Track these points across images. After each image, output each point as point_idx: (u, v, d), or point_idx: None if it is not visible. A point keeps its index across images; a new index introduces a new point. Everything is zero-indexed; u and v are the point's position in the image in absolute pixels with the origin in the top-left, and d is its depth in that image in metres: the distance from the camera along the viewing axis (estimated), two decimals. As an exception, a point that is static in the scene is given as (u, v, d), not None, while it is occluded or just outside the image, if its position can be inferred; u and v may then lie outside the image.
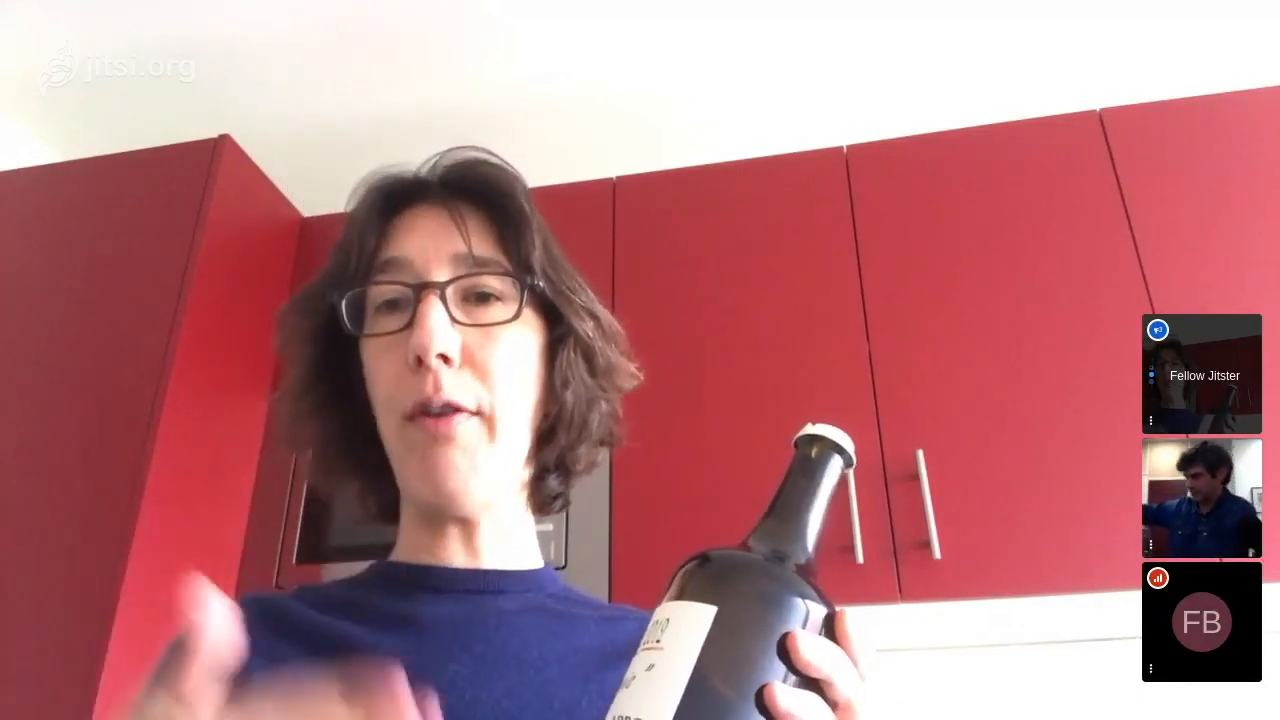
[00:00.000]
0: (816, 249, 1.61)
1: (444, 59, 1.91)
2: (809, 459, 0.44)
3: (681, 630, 0.38)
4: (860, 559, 1.32)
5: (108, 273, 1.59)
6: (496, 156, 0.66)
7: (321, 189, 1.56)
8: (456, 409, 0.58)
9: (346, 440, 0.66)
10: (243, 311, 1.63)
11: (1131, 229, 1.51)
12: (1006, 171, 1.61)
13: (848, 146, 1.69)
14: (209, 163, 1.65)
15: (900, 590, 1.33)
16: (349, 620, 0.58)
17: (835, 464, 0.44)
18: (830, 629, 0.40)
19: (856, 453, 0.46)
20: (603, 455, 0.70)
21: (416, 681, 0.53)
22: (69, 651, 1.27)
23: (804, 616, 0.39)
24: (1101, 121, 1.60)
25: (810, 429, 0.45)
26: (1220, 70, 1.79)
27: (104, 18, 1.78)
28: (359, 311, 0.63)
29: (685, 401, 1.50)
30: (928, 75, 1.96)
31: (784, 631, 0.38)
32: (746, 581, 0.40)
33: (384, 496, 0.66)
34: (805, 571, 0.41)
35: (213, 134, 1.70)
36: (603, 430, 0.68)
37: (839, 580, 1.32)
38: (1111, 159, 1.57)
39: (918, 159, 1.66)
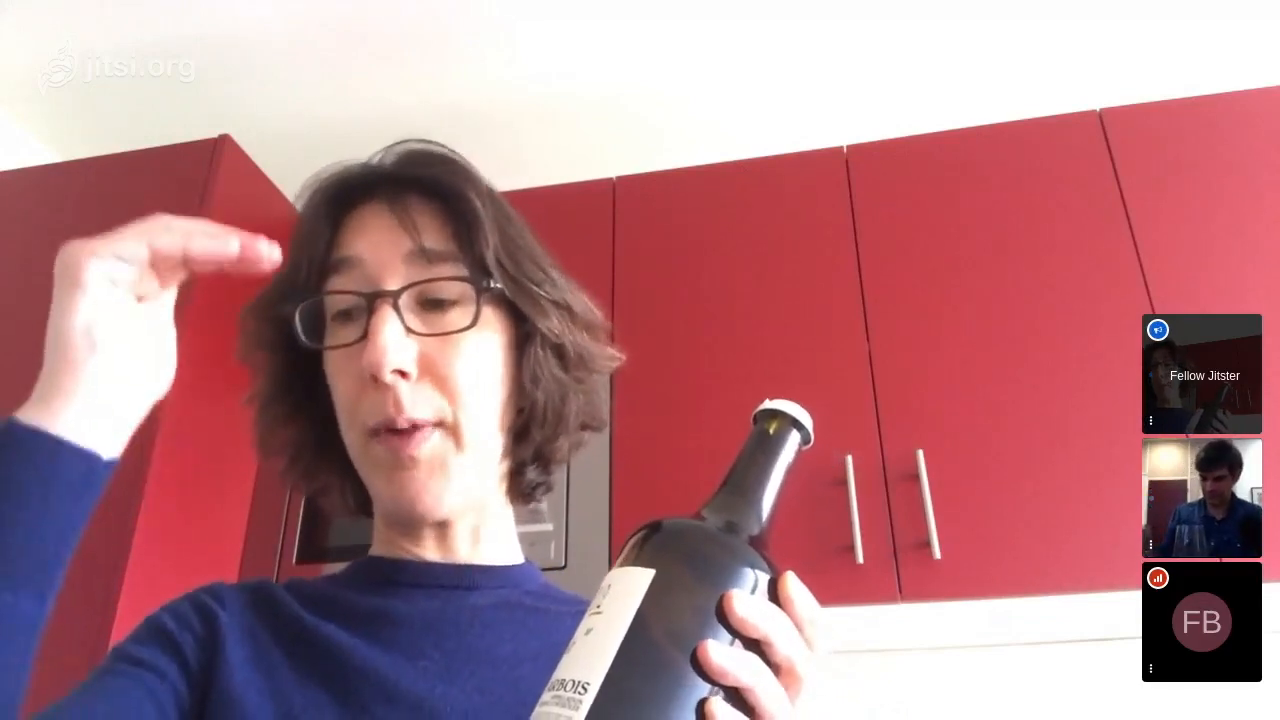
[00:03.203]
0: (816, 249, 1.61)
1: (444, 59, 1.91)
2: (766, 434, 0.44)
3: (620, 594, 0.38)
4: (860, 559, 1.32)
5: (108, 273, 1.59)
6: (444, 147, 0.64)
7: (321, 189, 1.55)
8: (419, 425, 0.57)
9: (321, 444, 0.65)
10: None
11: (1131, 229, 1.51)
12: (1006, 171, 1.61)
13: (848, 146, 1.69)
14: (209, 162, 1.65)
15: (900, 590, 1.33)
16: (325, 618, 0.58)
17: (792, 439, 0.44)
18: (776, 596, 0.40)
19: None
20: (587, 437, 0.68)
21: (387, 678, 0.54)
22: (68, 653, 1.27)
23: (752, 584, 0.38)
24: (1101, 121, 1.60)
25: (768, 404, 0.45)
26: (1220, 70, 1.79)
27: (104, 18, 1.78)
28: (315, 321, 0.61)
29: (685, 401, 1.50)
30: (928, 75, 1.96)
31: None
32: (690, 547, 0.40)
33: (362, 492, 0.66)
34: (757, 543, 0.41)
35: (213, 134, 1.70)
36: (583, 418, 0.66)
37: (839, 580, 1.32)
38: (1111, 159, 1.57)
39: (918, 159, 1.66)
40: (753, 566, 0.39)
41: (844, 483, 1.36)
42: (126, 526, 1.33)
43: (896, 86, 1.98)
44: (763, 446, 0.44)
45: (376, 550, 0.65)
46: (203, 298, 1.55)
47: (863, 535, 1.33)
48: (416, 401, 0.57)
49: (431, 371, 0.58)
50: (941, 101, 1.96)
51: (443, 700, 0.53)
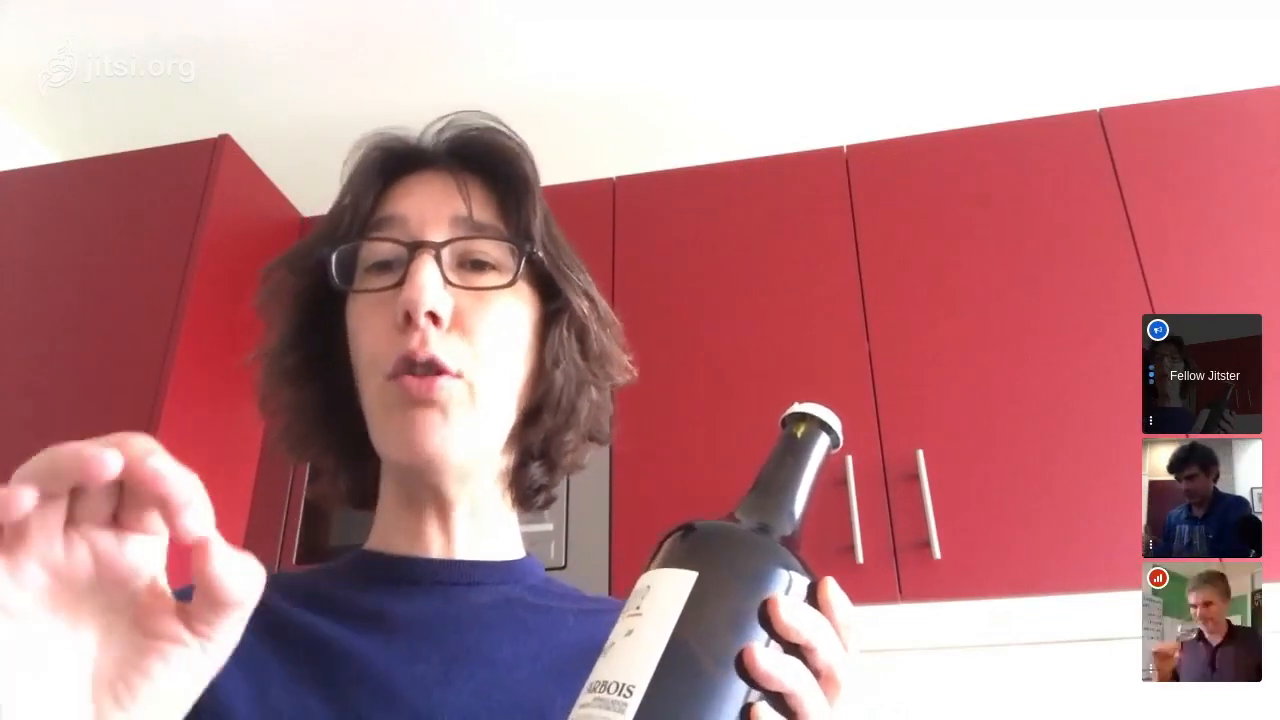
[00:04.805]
0: (816, 249, 1.61)
1: (444, 59, 1.91)
2: (795, 437, 0.45)
3: (661, 596, 0.38)
4: (860, 559, 1.32)
5: (108, 272, 1.59)
6: (504, 125, 0.65)
7: (321, 189, 1.55)
8: (440, 370, 0.56)
9: (322, 410, 0.63)
10: (242, 312, 1.63)
11: (1131, 229, 1.51)
12: (1006, 171, 1.61)
13: (848, 146, 1.69)
14: (209, 163, 1.66)
15: (900, 590, 1.33)
16: (318, 614, 0.56)
17: (822, 442, 0.45)
18: (814, 600, 0.40)
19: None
20: (591, 454, 0.68)
21: (382, 681, 0.52)
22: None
23: (787, 585, 0.39)
24: (1101, 121, 1.60)
25: (797, 407, 0.45)
26: (1220, 70, 1.79)
27: (104, 18, 1.78)
28: (349, 269, 0.61)
29: (685, 402, 1.50)
30: (928, 75, 1.96)
31: (765, 597, 0.38)
32: (729, 549, 0.40)
33: (357, 478, 0.65)
34: (790, 544, 0.41)
35: (213, 134, 1.70)
36: (591, 422, 0.65)
37: (839, 580, 1.32)
38: (1111, 159, 1.57)
39: (918, 159, 1.66)
40: (789, 569, 0.39)
41: (844, 483, 1.36)
42: (126, 526, 1.33)
43: (896, 86, 1.98)
44: (791, 449, 0.44)
45: (374, 543, 0.63)
46: (202, 298, 1.55)
47: (863, 535, 1.33)
48: (441, 346, 0.56)
49: (461, 325, 0.58)
50: (941, 101, 1.96)
51: (440, 705, 0.52)
